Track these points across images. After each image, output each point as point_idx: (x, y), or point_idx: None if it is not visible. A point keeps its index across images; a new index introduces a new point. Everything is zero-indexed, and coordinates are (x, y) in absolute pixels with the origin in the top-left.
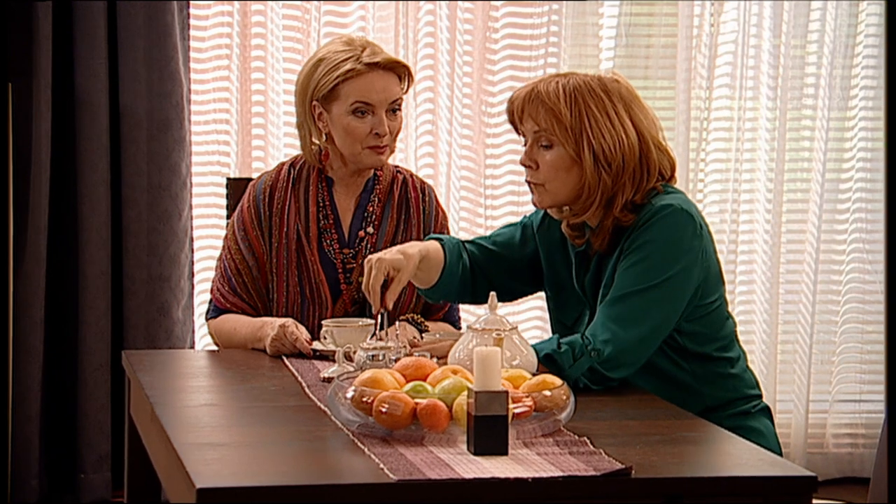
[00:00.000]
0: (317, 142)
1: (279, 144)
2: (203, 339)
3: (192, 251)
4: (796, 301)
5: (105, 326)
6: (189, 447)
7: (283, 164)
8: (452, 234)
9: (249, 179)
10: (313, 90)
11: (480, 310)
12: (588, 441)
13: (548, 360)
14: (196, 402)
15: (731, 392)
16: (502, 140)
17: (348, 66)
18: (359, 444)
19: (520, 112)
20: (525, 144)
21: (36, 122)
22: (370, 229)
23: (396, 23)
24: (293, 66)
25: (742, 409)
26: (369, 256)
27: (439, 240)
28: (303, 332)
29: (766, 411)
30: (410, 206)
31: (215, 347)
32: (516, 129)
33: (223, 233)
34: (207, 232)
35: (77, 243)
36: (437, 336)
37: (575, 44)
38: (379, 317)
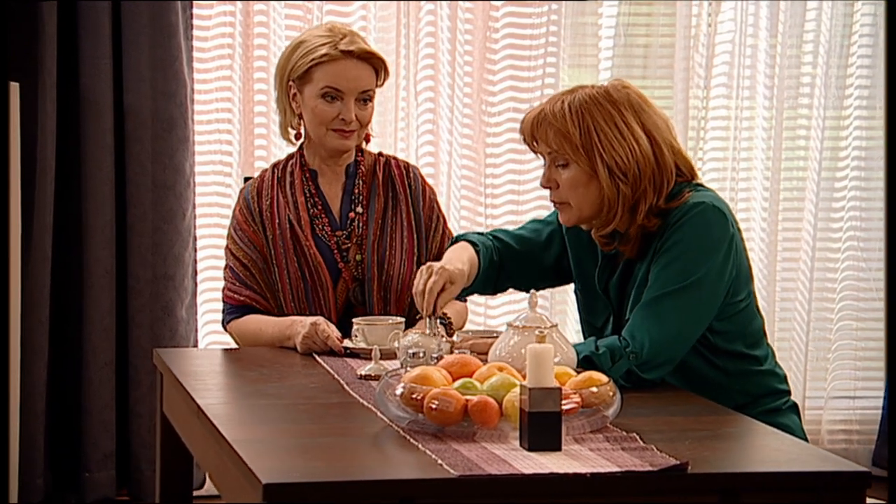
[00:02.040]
0: (291, 127)
1: (281, 144)
2: (206, 338)
3: (196, 250)
4: (792, 298)
5: (109, 325)
6: (245, 444)
7: (265, 170)
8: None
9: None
10: (290, 70)
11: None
12: (638, 437)
13: (586, 363)
14: (240, 400)
15: (761, 388)
16: (502, 139)
17: (323, 50)
18: (411, 440)
19: (530, 136)
20: (544, 166)
21: (41, 122)
22: (359, 209)
23: (398, 22)
24: None
25: (772, 405)
26: (430, 263)
27: (474, 245)
28: (334, 331)
29: (795, 408)
30: (396, 184)
31: (216, 347)
32: (534, 151)
33: (226, 232)
34: (210, 231)
35: (82, 242)
36: (469, 333)
37: (574, 43)
38: (428, 319)
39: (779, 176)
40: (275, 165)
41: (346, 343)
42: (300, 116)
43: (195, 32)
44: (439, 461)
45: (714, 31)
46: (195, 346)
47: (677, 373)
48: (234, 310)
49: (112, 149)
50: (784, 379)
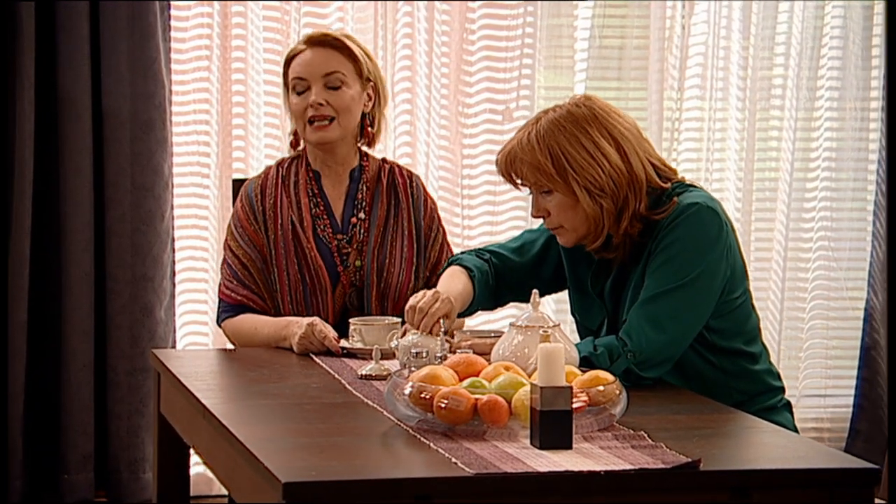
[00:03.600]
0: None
1: (260, 145)
2: (184, 339)
3: (174, 251)
4: (765, 298)
5: (88, 327)
6: (258, 443)
7: (269, 167)
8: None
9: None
10: (283, 81)
11: None
12: (646, 435)
13: (585, 363)
14: (244, 400)
15: (759, 385)
16: (479, 140)
17: (292, 47)
18: (422, 439)
19: (507, 174)
20: (531, 195)
21: (19, 123)
22: (361, 215)
23: (375, 23)
24: (273, 67)
25: (767, 403)
26: (435, 289)
27: (468, 270)
28: (330, 331)
29: (788, 406)
30: (399, 192)
31: (197, 348)
32: (516, 187)
33: (204, 234)
34: (188, 233)
35: (60, 244)
36: (468, 333)
37: (550, 45)
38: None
39: (751, 176)
40: (279, 164)
41: (343, 343)
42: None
43: (173, 34)
44: (454, 460)
45: (688, 33)
46: (174, 347)
47: (676, 371)
48: (229, 308)
49: (90, 150)
50: (778, 376)
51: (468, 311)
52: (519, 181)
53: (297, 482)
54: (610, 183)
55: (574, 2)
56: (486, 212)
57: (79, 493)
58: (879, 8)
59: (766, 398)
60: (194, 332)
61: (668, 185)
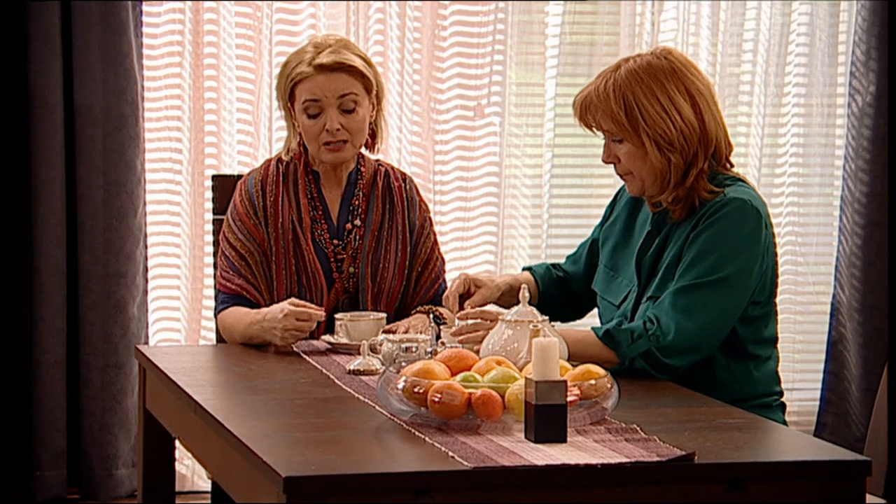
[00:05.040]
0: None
1: (232, 141)
2: (156, 336)
3: (147, 247)
4: None
5: (60, 323)
6: (254, 438)
7: (269, 160)
8: None
9: (235, 176)
10: (281, 92)
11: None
12: (639, 428)
13: (607, 336)
14: (236, 395)
15: (761, 387)
16: (451, 136)
17: (300, 69)
18: (416, 433)
19: (582, 119)
20: (604, 141)
21: None
22: (357, 222)
23: (347, 20)
24: (245, 64)
25: (762, 402)
26: (463, 272)
27: (529, 269)
28: (308, 305)
29: (783, 406)
30: (394, 196)
31: (170, 344)
32: (590, 130)
33: (176, 230)
34: (160, 229)
35: (33, 240)
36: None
37: (521, 41)
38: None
39: None
40: (279, 160)
41: (328, 338)
42: (300, 134)
43: (144, 30)
44: (450, 453)
45: (657, 30)
46: (146, 343)
47: (695, 369)
48: (226, 299)
49: (62, 146)
50: (779, 380)
51: (545, 305)
52: (593, 126)
53: (298, 476)
54: (680, 138)
55: (544, 1)
56: (457, 207)
57: (51, 489)
58: (845, 6)
59: (763, 398)
60: (166, 328)
61: (728, 168)
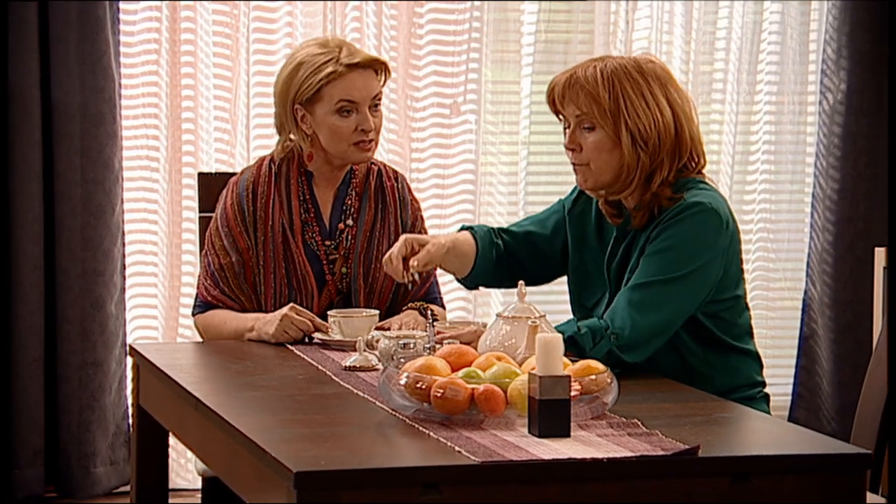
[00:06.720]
0: (293, 139)
1: (209, 139)
2: (134, 333)
3: (125, 245)
4: None
5: (38, 321)
6: (259, 434)
7: (262, 159)
8: None
9: (221, 174)
10: (295, 94)
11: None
12: (640, 423)
13: (570, 343)
14: (234, 392)
15: (740, 379)
16: (427, 134)
17: (330, 68)
18: (420, 428)
19: (561, 97)
20: (567, 129)
21: None
22: (349, 221)
23: (324, 19)
24: (223, 62)
25: (746, 394)
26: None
27: (470, 229)
28: (307, 313)
29: (767, 398)
30: (387, 195)
31: (147, 342)
32: (557, 114)
33: (153, 227)
34: (138, 227)
35: (10, 238)
36: (447, 325)
37: (497, 39)
38: (428, 313)
39: None
40: (271, 160)
41: (322, 335)
42: (312, 137)
43: (121, 27)
44: (457, 448)
45: (631, 28)
46: (124, 342)
47: (661, 359)
48: (202, 304)
49: (40, 144)
50: (761, 370)
51: (480, 275)
52: (565, 109)
53: (309, 471)
54: (655, 138)
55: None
56: (434, 205)
57: (29, 488)
58: (816, 6)
59: (746, 389)
60: (144, 325)
61: (694, 175)
